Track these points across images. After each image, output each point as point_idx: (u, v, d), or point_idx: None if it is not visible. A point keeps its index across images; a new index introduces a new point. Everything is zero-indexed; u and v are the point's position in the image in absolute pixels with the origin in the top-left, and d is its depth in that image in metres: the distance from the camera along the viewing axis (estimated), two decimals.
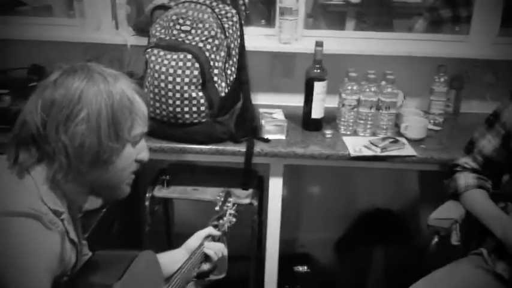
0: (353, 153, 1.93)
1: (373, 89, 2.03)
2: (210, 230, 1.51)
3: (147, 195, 2.05)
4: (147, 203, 2.05)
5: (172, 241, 2.54)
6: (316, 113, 2.07)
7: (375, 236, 2.47)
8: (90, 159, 1.12)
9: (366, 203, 2.53)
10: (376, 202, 2.54)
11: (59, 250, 1.11)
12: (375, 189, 2.56)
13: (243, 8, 2.06)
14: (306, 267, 2.49)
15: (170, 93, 1.85)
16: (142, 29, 2.13)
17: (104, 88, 1.13)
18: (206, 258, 1.47)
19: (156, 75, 1.85)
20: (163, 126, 1.91)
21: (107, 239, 2.15)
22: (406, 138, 2.04)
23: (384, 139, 2.00)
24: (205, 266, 1.48)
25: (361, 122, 2.06)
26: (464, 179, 1.73)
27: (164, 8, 1.98)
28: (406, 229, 2.47)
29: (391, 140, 1.99)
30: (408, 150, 1.95)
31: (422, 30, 2.70)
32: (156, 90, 1.86)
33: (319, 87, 2.02)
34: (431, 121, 2.15)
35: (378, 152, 1.93)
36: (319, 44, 2.01)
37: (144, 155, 1.25)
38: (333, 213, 2.59)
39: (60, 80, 1.13)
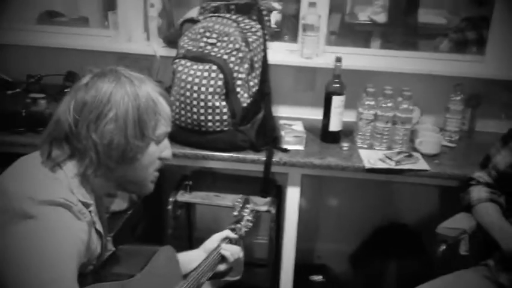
0: (367, 166, 2.00)
1: (389, 105, 2.11)
2: (227, 232, 1.58)
3: (170, 199, 2.15)
4: (170, 207, 2.15)
5: (193, 245, 2.59)
6: (334, 125, 2.15)
7: (389, 249, 2.51)
8: (117, 156, 1.21)
9: (382, 216, 2.59)
10: (392, 216, 2.59)
11: (86, 238, 1.20)
12: (390, 204, 2.61)
13: (268, 23, 2.16)
14: (321, 277, 2.55)
15: (195, 102, 1.96)
16: (171, 41, 2.25)
17: (131, 90, 1.22)
18: (222, 259, 1.53)
19: (183, 84, 1.96)
20: (188, 134, 2.01)
21: (130, 241, 2.25)
22: (421, 153, 2.10)
23: (398, 153, 2.06)
24: (222, 267, 1.54)
25: (378, 136, 2.14)
26: (477, 192, 1.79)
27: (193, 21, 2.09)
28: (420, 243, 2.51)
29: (406, 154, 2.06)
30: (421, 165, 2.01)
31: (447, 50, 2.78)
32: (182, 99, 1.97)
33: (337, 101, 2.11)
34: (447, 138, 2.21)
35: (392, 165, 2.00)
36: (338, 59, 2.10)
37: (167, 153, 1.33)
38: (349, 226, 2.65)
39: (91, 82, 1.22)
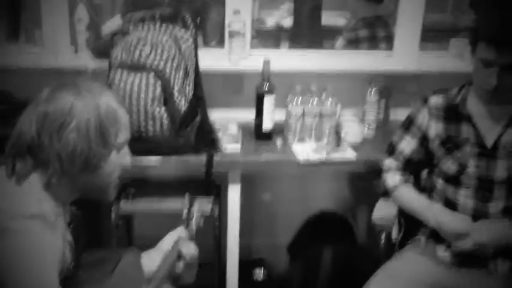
0: (302, 159, 2.16)
1: (315, 101, 2.28)
2: (181, 230, 1.64)
3: (114, 208, 2.16)
4: (113, 216, 2.16)
5: None
6: (267, 124, 2.28)
7: (323, 236, 2.69)
8: (81, 164, 1.26)
9: (313, 206, 2.75)
10: (322, 205, 2.77)
11: (62, 247, 1.24)
12: (320, 194, 2.79)
13: (194, 31, 2.24)
14: (263, 270, 2.66)
15: (135, 110, 2.00)
16: (101, 52, 2.27)
17: (92, 100, 1.28)
18: (179, 257, 1.59)
19: (122, 94, 2.00)
20: (130, 142, 2.05)
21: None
22: (347, 142, 2.29)
23: (327, 145, 2.24)
24: (180, 265, 1.59)
25: (307, 130, 2.30)
26: (392, 178, 1.96)
27: (123, 32, 2.14)
28: (349, 228, 2.71)
29: (334, 145, 2.24)
30: (349, 154, 2.21)
31: (342, 48, 3.03)
32: None
33: (268, 100, 2.25)
34: (366, 127, 2.43)
35: (323, 155, 2.17)
36: (266, 61, 2.24)
37: (128, 160, 1.40)
38: (284, 219, 2.79)
39: (51, 95, 1.27)
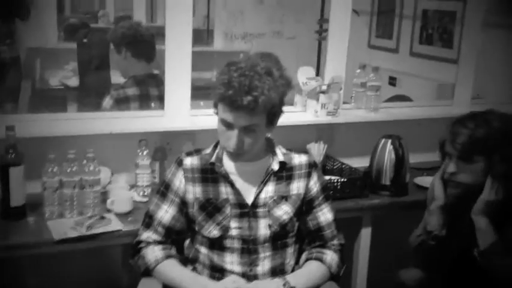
0: (56, 237, 1.87)
1: (74, 169, 2.03)
2: None
3: None
4: None
5: None
6: (16, 200, 1.96)
7: None
8: None
9: (98, 283, 2.44)
10: (106, 280, 2.47)
11: None
12: (104, 269, 2.49)
13: None
14: None
15: None
16: None
17: None
18: None
19: None
20: None
21: None
22: (114, 212, 2.07)
23: (90, 217, 1.99)
24: None
25: (67, 203, 2.03)
26: (152, 254, 1.75)
27: None
28: None
29: (98, 217, 2.00)
30: (115, 225, 1.98)
31: (110, 107, 2.82)
32: None
33: (15, 172, 1.94)
34: (140, 193, 2.23)
35: (83, 231, 1.91)
36: (10, 128, 1.94)
37: None
38: None
39: None
